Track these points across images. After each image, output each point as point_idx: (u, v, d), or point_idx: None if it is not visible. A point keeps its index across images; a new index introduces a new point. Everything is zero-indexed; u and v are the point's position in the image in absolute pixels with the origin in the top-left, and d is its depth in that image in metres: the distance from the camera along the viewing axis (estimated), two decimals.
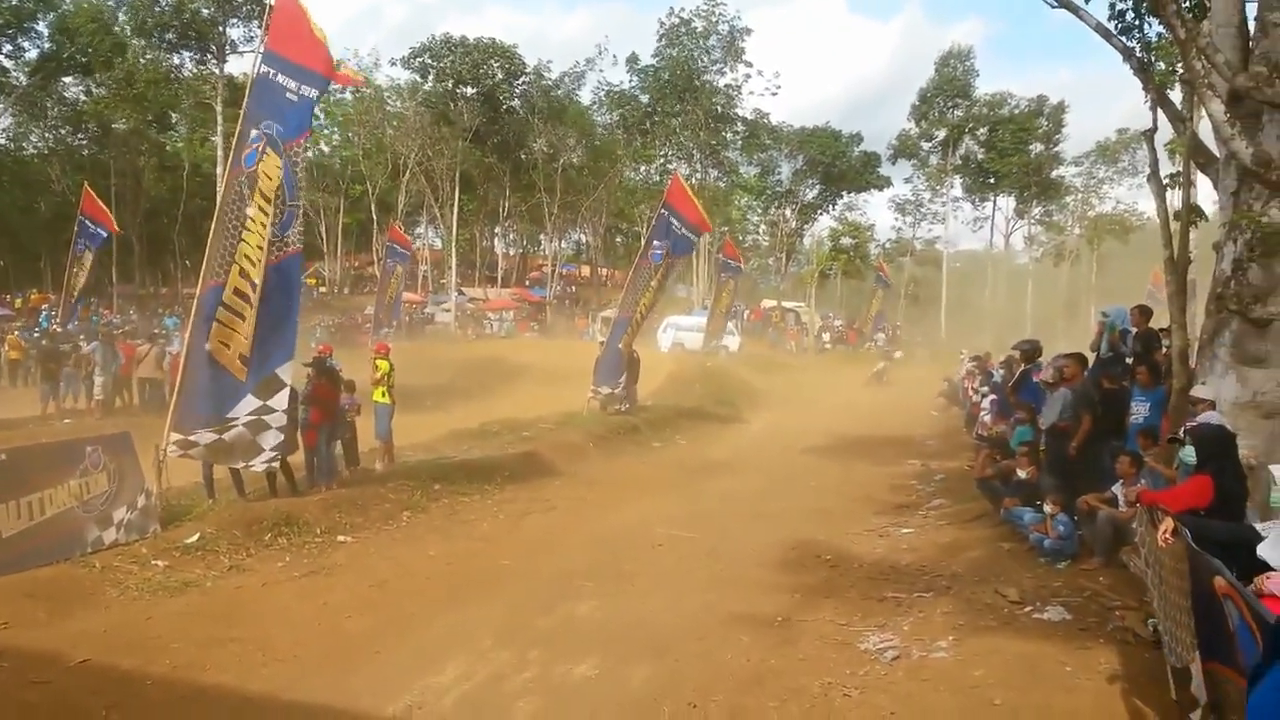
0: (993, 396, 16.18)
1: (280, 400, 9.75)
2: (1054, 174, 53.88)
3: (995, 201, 56.49)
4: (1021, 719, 5.12)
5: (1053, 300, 52.45)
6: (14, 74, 37.84)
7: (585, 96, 56.18)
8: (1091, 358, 10.94)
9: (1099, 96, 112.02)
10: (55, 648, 6.25)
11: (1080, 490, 8.31)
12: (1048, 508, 8.29)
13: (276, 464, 10.15)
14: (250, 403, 9.62)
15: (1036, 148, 53.39)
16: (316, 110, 10.15)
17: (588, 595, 7.96)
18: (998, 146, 52.87)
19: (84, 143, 46.17)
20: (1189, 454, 5.87)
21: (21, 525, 7.58)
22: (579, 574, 8.65)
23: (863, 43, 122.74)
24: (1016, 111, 53.32)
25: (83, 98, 42.99)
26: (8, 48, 36.96)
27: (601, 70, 65.93)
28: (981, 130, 53.87)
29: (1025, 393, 11.58)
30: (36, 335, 22.92)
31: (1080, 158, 53.42)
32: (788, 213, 59.05)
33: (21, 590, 7.09)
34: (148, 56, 41.11)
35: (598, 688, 5.98)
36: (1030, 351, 12.47)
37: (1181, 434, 6.80)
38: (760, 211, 63.23)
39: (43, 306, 31.32)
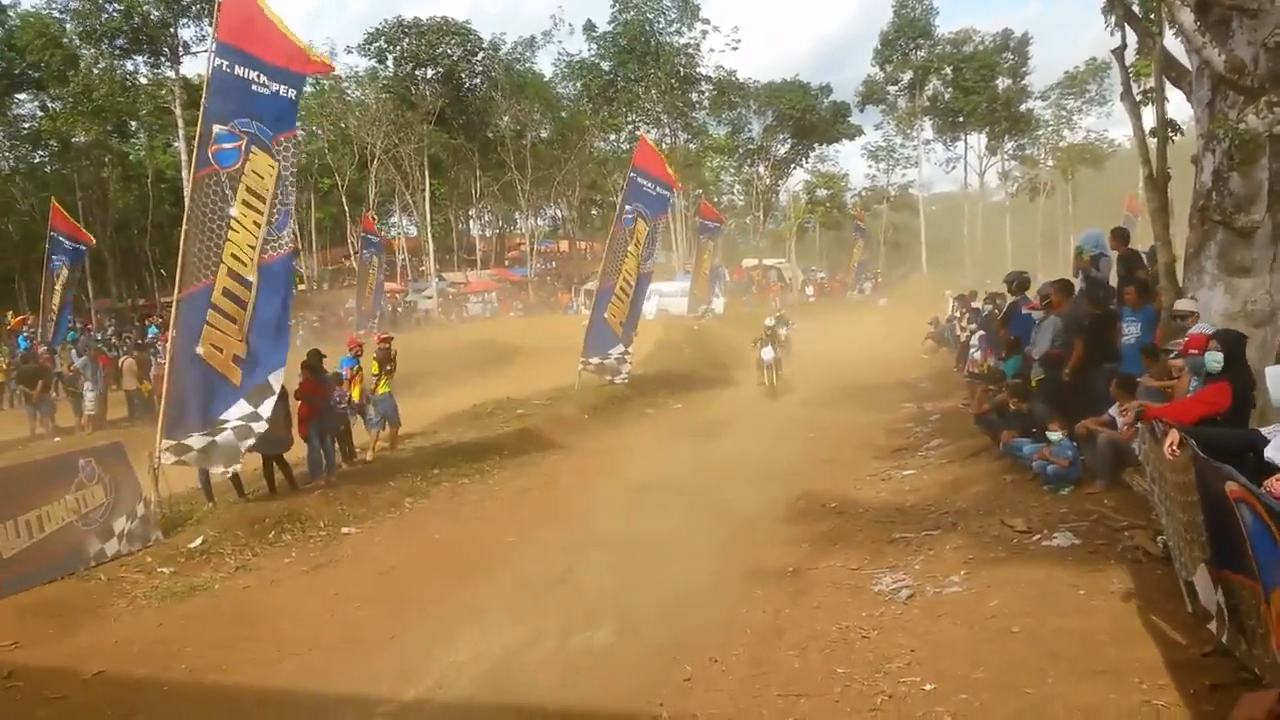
0: (980, 333, 16.26)
1: (266, 408, 9.63)
2: (1023, 108, 53.62)
3: (966, 141, 56.27)
4: (1040, 644, 5.13)
5: (1031, 234, 52.54)
6: None
7: (546, 69, 55.70)
8: (1076, 287, 10.96)
9: (1068, 27, 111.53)
10: (68, 663, 6.21)
11: (1077, 416, 8.33)
12: (1054, 435, 8.30)
13: (238, 468, 9.99)
14: (242, 407, 9.54)
15: (1003, 83, 53.14)
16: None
17: (597, 564, 7.95)
18: (963, 85, 52.53)
19: (45, 159, 45.43)
20: (1215, 360, 5.83)
21: (22, 544, 7.51)
22: (586, 544, 8.64)
23: None
24: (981, 48, 52.97)
25: (39, 114, 42.22)
26: None
27: (560, 42, 65.17)
28: (947, 69, 53.51)
29: (1015, 324, 11.59)
30: (18, 356, 22.64)
31: (1049, 90, 53.31)
32: (761, 170, 58.71)
33: (29, 609, 7.05)
34: (100, 66, 40.29)
35: (616, 653, 5.98)
36: (1019, 283, 12.47)
37: (1173, 347, 6.82)
38: (733, 171, 62.88)
39: (21, 328, 30.91)
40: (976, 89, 52.10)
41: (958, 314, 21.39)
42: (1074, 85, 52.08)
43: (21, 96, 40.61)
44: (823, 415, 15.40)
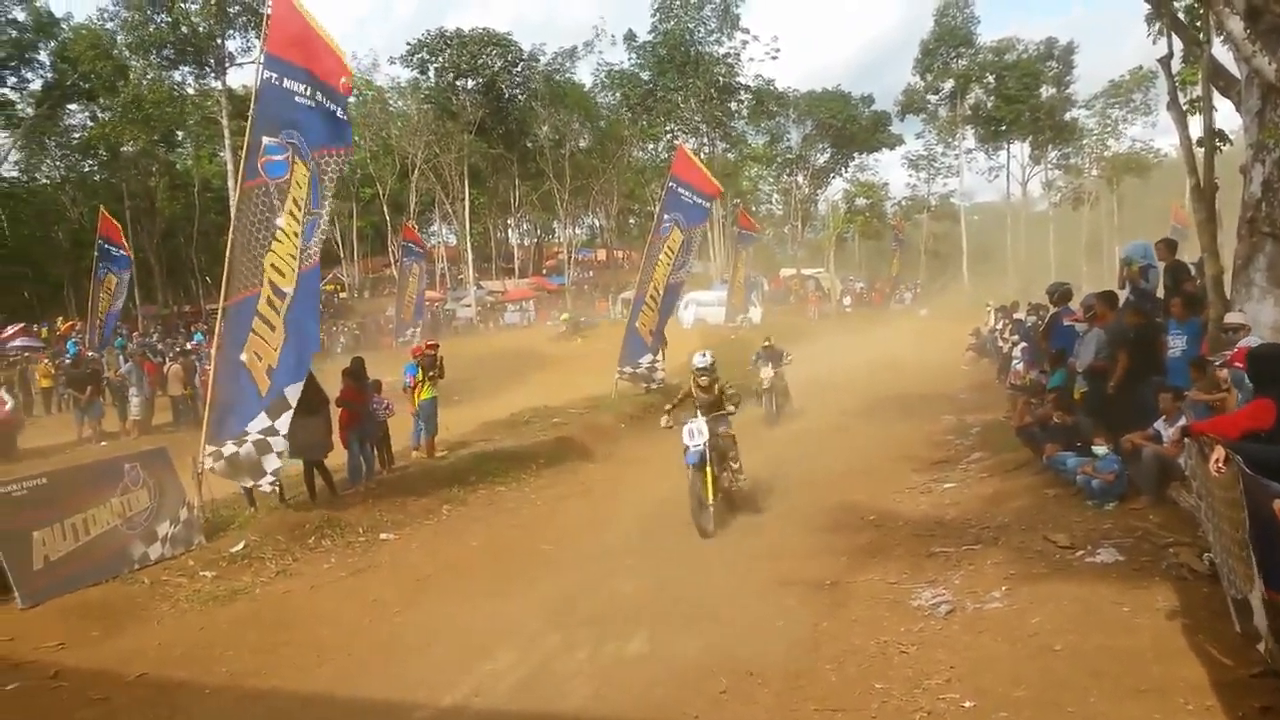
0: (1023, 344, 16.05)
1: (283, 423, 9.47)
2: (1067, 117, 52.91)
3: (1009, 149, 55.60)
4: (1083, 662, 5.04)
5: (1075, 245, 51.77)
6: (20, 106, 38.02)
7: (586, 79, 55.99)
8: (1121, 298, 10.78)
9: (1113, 35, 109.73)
10: (111, 665, 6.32)
11: (1122, 429, 8.19)
12: (1097, 448, 8.16)
13: (277, 486, 9.93)
14: (261, 421, 9.47)
15: (1047, 91, 52.50)
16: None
17: (632, 572, 7.94)
18: (1006, 93, 51.95)
19: (94, 168, 46.54)
20: (1246, 377, 5.71)
21: (69, 547, 7.67)
22: (621, 552, 8.64)
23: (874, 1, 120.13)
24: (1024, 56, 52.38)
25: (89, 123, 43.25)
26: (12, 80, 37.11)
27: (600, 52, 65.49)
28: (989, 78, 52.97)
29: (1057, 336, 11.42)
30: (67, 361, 23.15)
31: (1093, 98, 52.59)
32: (800, 179, 58.56)
33: (74, 610, 7.18)
34: (149, 76, 41.20)
35: (651, 663, 5.96)
36: (1060, 294, 12.30)
37: (1220, 360, 6.68)
38: (772, 180, 62.77)
39: (71, 333, 31.61)
40: (1019, 98, 51.49)
41: (999, 325, 21.13)
42: (1119, 94, 51.32)
43: (73, 107, 41.63)
44: (861, 426, 15.26)
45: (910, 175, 59.78)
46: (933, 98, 54.63)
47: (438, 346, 14.37)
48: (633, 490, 11.70)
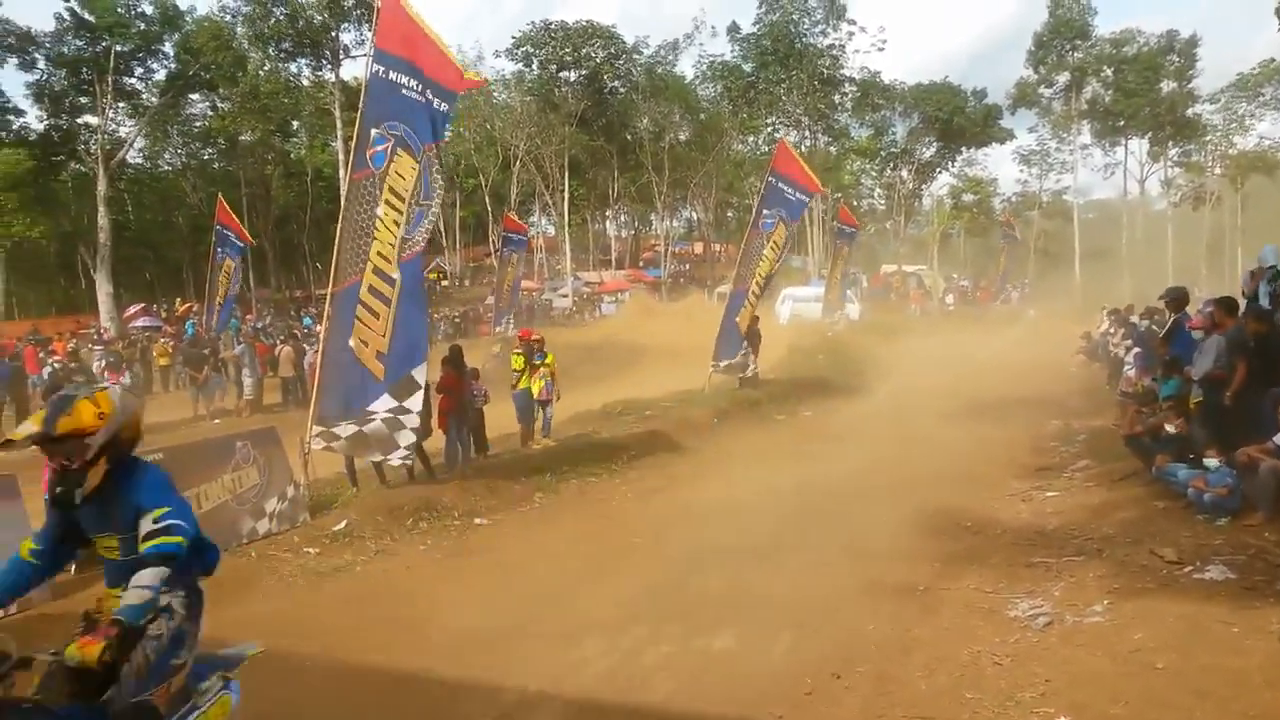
0: (1137, 350, 15.42)
1: (415, 402, 9.98)
2: (1189, 112, 50.44)
3: (1126, 146, 53.32)
4: (1186, 682, 4.84)
5: (1195, 246, 49.41)
6: (145, 95, 39.96)
7: (687, 71, 55.81)
8: (1243, 304, 10.23)
9: (1241, 27, 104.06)
10: (220, 634, 6.59)
11: (1239, 442, 7.80)
12: (1209, 461, 7.81)
13: (410, 461, 10.50)
14: (387, 401, 9.90)
15: (1168, 85, 50.14)
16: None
17: (721, 568, 7.92)
18: (1125, 87, 49.78)
19: (214, 156, 48.76)
20: None
21: None
22: (711, 548, 8.63)
23: None
24: (1144, 49, 50.11)
25: (209, 113, 45.26)
26: (139, 70, 39.03)
27: (701, 44, 65.25)
28: (1106, 71, 50.84)
29: (1179, 343, 10.92)
30: (185, 341, 24.30)
31: (1218, 93, 50.01)
32: (904, 173, 57.32)
33: None
34: (266, 68, 42.91)
35: (737, 660, 5.95)
36: (1178, 299, 11.77)
37: None
38: (875, 174, 61.61)
39: (189, 315, 33.15)
40: (1139, 92, 49.29)
41: (1112, 329, 20.34)
42: (1246, 88, 48.73)
43: (194, 97, 43.65)
44: (962, 428, 14.89)
45: (1021, 171, 58.02)
46: (1046, 91, 52.75)
47: (542, 340, 14.57)
48: (723, 486, 11.67)
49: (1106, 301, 26.26)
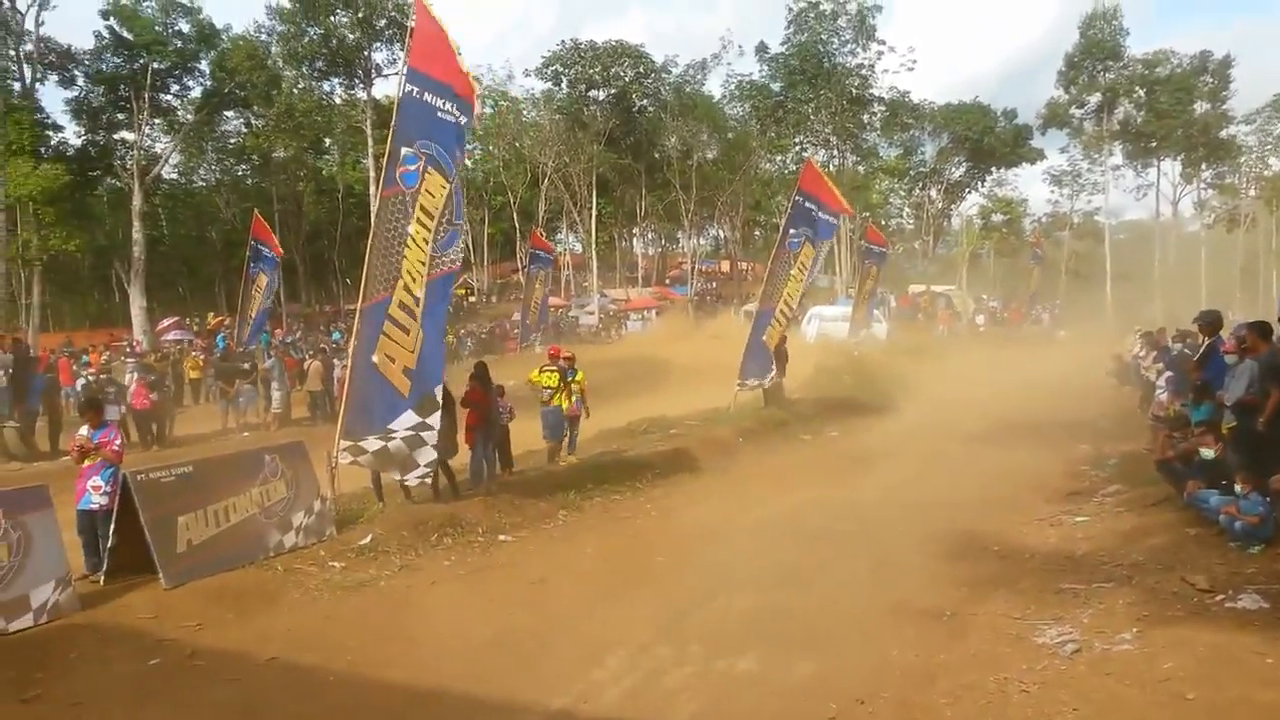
0: (1169, 374, 15.18)
1: (435, 419, 10.02)
2: (1224, 133, 49.90)
3: (1159, 167, 52.75)
4: (1218, 713, 4.75)
5: (1229, 269, 48.74)
6: (181, 112, 40.62)
7: (715, 90, 55.96)
8: (1278, 328, 10.07)
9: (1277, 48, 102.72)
10: (244, 647, 6.67)
11: (1272, 469, 7.66)
12: (1239, 487, 7.67)
13: (429, 480, 10.55)
14: (410, 418, 9.94)
15: (1202, 107, 49.63)
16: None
17: (745, 589, 7.89)
18: (1157, 108, 49.31)
19: (247, 173, 49.48)
20: None
21: (210, 532, 8.14)
22: (735, 568, 8.59)
23: (1021, 9, 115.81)
24: (1177, 70, 49.66)
25: (244, 130, 45.96)
26: (175, 87, 39.68)
27: (729, 63, 65.38)
28: (1139, 92, 50.40)
29: (1212, 367, 10.75)
30: (217, 354, 24.53)
31: (1253, 114, 49.45)
32: (933, 193, 57.07)
33: (212, 593, 7.61)
34: (300, 86, 43.52)
35: (760, 683, 5.91)
36: (1212, 323, 11.59)
37: None
38: (904, 194, 61.39)
39: (220, 329, 33.51)
40: (1171, 113, 48.76)
41: (1142, 352, 20.04)
42: None
43: (229, 114, 44.28)
44: (990, 451, 14.73)
45: (1052, 191, 57.54)
46: (1077, 111, 52.33)
47: (573, 358, 14.65)
48: (748, 506, 11.62)
49: (1138, 324, 25.95)
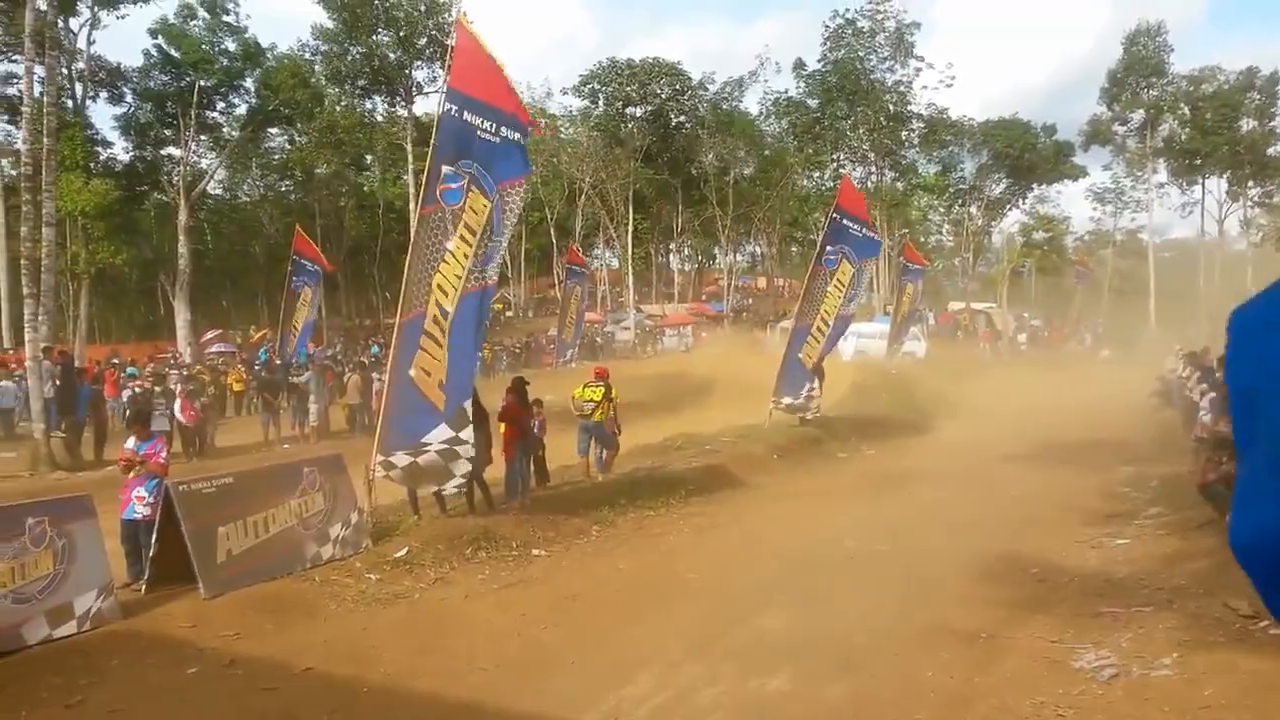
0: (1212, 394, 14.90)
1: (468, 433, 10.08)
2: (1271, 150, 48.98)
3: (1204, 184, 51.92)
4: None
5: None
6: (226, 129, 41.45)
7: (752, 107, 55.99)
8: None
9: None
10: (282, 657, 6.74)
11: None
12: None
13: (464, 489, 10.64)
14: (444, 431, 10.01)
15: (1248, 124, 48.82)
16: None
17: (778, 608, 7.85)
18: (1203, 125, 48.58)
19: (290, 188, 50.34)
20: None
21: (249, 543, 8.26)
22: (768, 587, 8.55)
23: (1068, 24, 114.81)
24: (1223, 86, 48.89)
25: (287, 146, 46.79)
26: (220, 105, 40.52)
27: (766, 80, 65.27)
28: (1184, 108, 49.68)
29: None
30: (260, 368, 24.90)
31: None
32: (973, 210, 56.55)
33: (251, 603, 7.72)
34: (343, 104, 44.28)
35: (791, 704, 5.88)
36: None
37: None
38: (943, 211, 60.92)
39: (263, 342, 34.01)
40: (1217, 130, 48.03)
41: (1186, 372, 19.68)
42: None
43: (273, 131, 45.15)
44: (1029, 472, 14.56)
45: (1095, 209, 56.80)
46: (1120, 128, 51.66)
47: (607, 373, 14.76)
48: (782, 524, 11.57)
49: (1183, 344, 25.48)
